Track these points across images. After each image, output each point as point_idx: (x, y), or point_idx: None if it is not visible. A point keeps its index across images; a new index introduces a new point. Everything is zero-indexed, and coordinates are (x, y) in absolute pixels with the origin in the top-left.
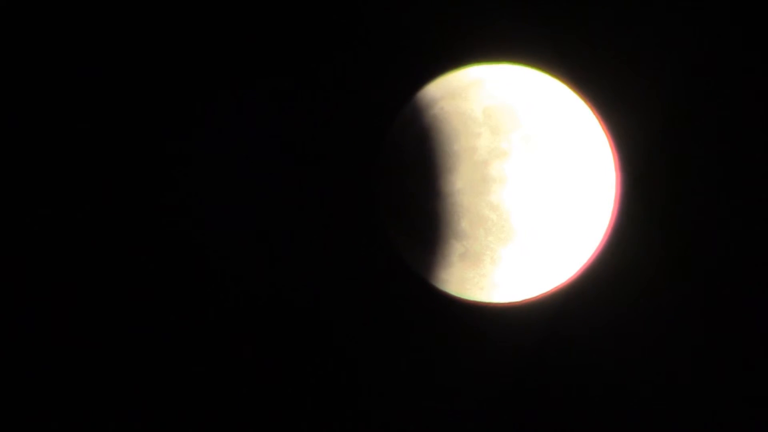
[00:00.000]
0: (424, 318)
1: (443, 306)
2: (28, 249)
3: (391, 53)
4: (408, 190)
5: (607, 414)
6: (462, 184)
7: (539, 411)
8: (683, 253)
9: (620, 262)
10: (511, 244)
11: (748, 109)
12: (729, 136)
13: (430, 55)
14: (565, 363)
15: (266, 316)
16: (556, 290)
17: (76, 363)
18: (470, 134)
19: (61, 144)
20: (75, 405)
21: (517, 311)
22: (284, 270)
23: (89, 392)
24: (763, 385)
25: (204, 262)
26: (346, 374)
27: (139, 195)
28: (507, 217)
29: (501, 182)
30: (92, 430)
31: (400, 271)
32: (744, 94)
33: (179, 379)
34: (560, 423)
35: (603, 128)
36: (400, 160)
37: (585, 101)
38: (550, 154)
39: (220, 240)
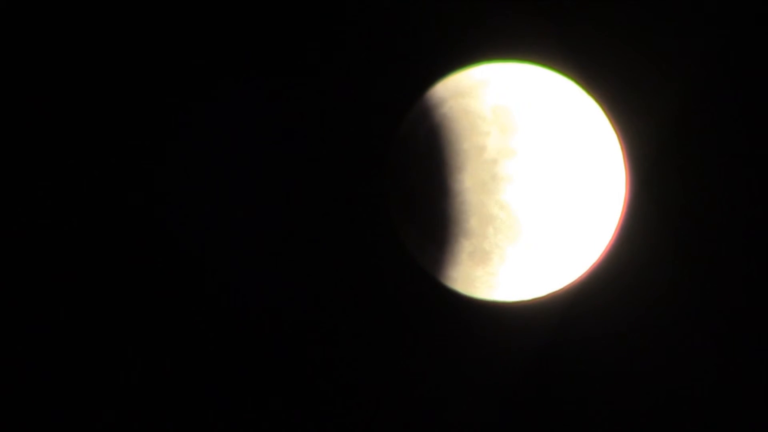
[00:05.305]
0: (431, 316)
1: (451, 304)
2: (19, 250)
3: (400, 52)
4: (416, 188)
5: (609, 414)
6: (471, 183)
7: (543, 409)
8: (693, 254)
9: (629, 262)
10: (520, 242)
11: (761, 109)
12: (741, 135)
13: (439, 53)
14: (571, 361)
15: (271, 315)
16: (565, 289)
17: (71, 365)
18: (479, 133)
19: (58, 145)
20: (61, 406)
21: (525, 310)
22: (291, 269)
23: (77, 395)
24: None
25: (207, 266)
26: (351, 372)
27: (138, 196)
28: (515, 216)
29: (510, 181)
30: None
31: (408, 269)
32: (757, 94)
33: (183, 380)
34: (565, 421)
35: (612, 127)
36: (409, 159)
37: (594, 100)
38: (559, 152)
39: (224, 242)
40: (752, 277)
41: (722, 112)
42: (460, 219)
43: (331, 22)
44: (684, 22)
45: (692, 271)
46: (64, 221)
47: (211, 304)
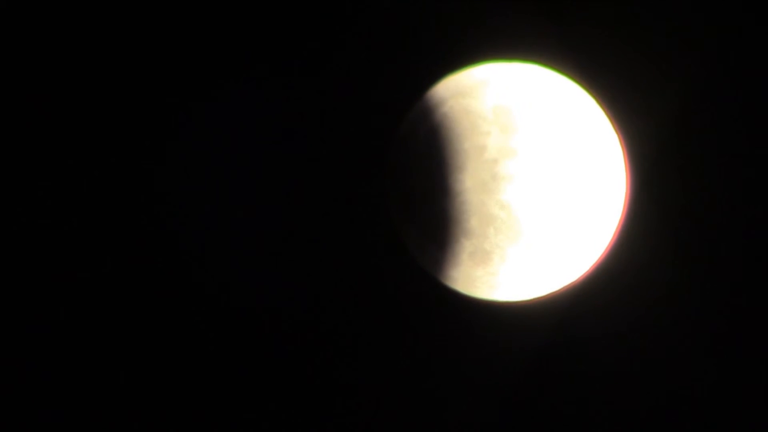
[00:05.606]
0: (431, 316)
1: (451, 304)
2: (19, 250)
3: (400, 52)
4: (417, 188)
5: (609, 414)
6: (471, 183)
7: (543, 409)
8: (693, 254)
9: (629, 262)
10: (520, 242)
11: (761, 109)
12: (741, 135)
13: (440, 53)
14: (571, 361)
15: (271, 315)
16: (565, 289)
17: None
18: (479, 133)
19: (58, 145)
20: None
21: (525, 310)
22: (291, 269)
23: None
24: None
25: (207, 265)
26: (351, 372)
27: (138, 196)
28: (516, 216)
29: (510, 181)
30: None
31: (408, 269)
32: (757, 94)
33: (183, 380)
34: (565, 421)
35: (612, 127)
36: (409, 159)
37: (595, 99)
38: (559, 152)
39: (224, 242)
40: (752, 277)
41: (722, 112)
42: (460, 219)
43: (331, 22)
44: (684, 22)
45: (692, 271)
46: (64, 221)
47: (211, 304)
